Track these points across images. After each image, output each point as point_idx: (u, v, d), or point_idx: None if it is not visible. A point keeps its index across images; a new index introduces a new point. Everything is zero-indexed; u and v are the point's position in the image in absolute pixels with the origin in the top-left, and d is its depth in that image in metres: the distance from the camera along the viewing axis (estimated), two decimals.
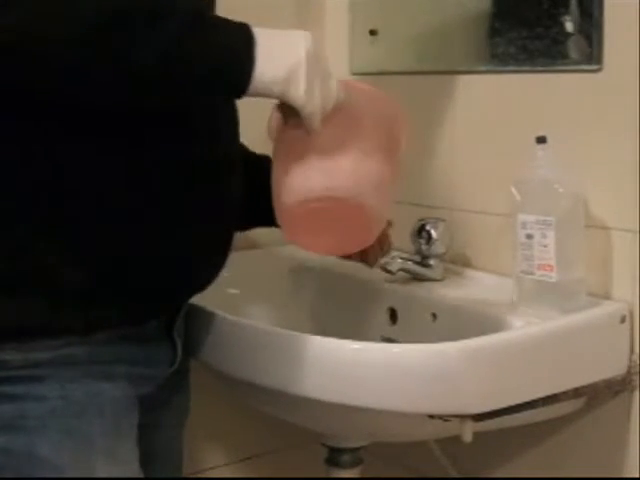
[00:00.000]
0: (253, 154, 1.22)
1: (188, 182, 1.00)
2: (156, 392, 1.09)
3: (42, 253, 0.93)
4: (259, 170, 1.11)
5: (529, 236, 1.18)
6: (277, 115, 1.00)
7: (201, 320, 1.17)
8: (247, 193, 1.12)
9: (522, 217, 1.19)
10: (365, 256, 1.25)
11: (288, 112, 0.97)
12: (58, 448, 0.94)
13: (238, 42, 0.93)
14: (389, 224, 1.19)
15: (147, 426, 1.08)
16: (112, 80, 0.89)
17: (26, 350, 0.94)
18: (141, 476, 1.01)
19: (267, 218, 1.11)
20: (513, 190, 1.20)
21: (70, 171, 0.93)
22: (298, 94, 0.93)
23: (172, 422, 1.18)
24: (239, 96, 0.95)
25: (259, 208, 1.12)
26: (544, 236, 1.17)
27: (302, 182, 0.97)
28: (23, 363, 0.94)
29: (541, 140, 1.18)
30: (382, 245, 1.25)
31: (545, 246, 1.17)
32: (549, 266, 1.17)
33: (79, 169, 0.94)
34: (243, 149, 1.18)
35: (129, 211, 0.96)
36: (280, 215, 1.00)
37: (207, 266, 1.07)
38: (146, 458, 1.06)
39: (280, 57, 0.94)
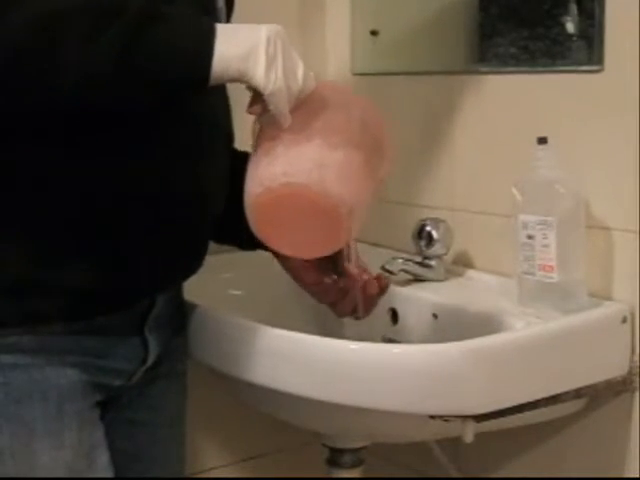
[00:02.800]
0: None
1: (160, 184, 1.00)
2: (138, 389, 1.10)
3: None
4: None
5: (530, 236, 1.18)
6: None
7: (202, 320, 1.17)
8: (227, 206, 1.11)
9: (523, 217, 1.19)
10: (341, 302, 1.16)
11: (263, 110, 0.95)
12: None
13: (197, 29, 0.93)
14: (382, 284, 1.15)
15: (130, 423, 1.10)
16: (61, 86, 0.88)
17: None
18: (99, 461, 1.02)
19: (242, 237, 1.09)
20: (514, 190, 1.20)
21: (28, 166, 0.95)
22: (258, 73, 0.92)
23: (161, 422, 1.17)
24: (203, 79, 0.92)
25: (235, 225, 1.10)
26: (545, 236, 1.17)
27: (265, 170, 0.95)
28: None
29: (542, 141, 1.18)
30: (366, 291, 1.15)
31: (546, 246, 1.17)
32: (550, 266, 1.17)
33: (36, 165, 0.95)
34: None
35: (81, 209, 0.96)
36: (247, 208, 0.98)
37: (164, 270, 1.06)
38: (130, 455, 1.09)
39: (240, 38, 0.93)
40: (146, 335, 1.08)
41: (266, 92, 0.92)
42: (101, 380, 1.04)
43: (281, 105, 0.93)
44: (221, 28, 0.93)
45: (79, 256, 0.97)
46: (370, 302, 1.14)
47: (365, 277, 1.13)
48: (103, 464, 1.03)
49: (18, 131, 0.93)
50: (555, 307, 1.18)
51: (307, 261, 1.12)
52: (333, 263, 1.13)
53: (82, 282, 0.98)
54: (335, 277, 1.14)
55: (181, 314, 1.18)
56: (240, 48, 0.92)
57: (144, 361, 1.09)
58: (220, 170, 1.08)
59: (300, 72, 0.96)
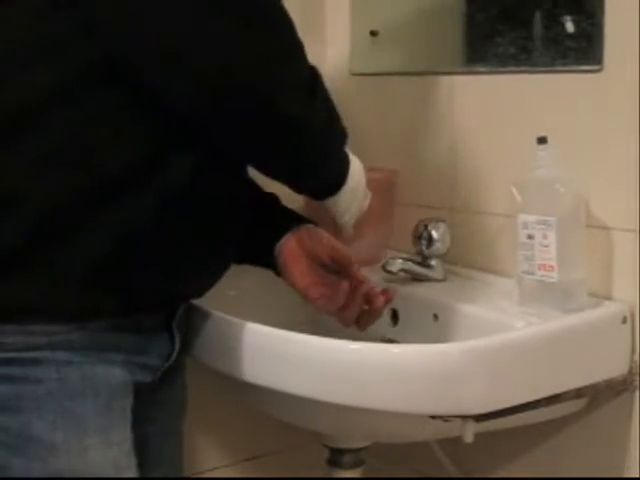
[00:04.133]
0: (259, 190, 1.25)
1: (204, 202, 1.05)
2: (151, 384, 1.10)
3: (44, 240, 0.95)
4: (262, 207, 1.20)
5: (530, 236, 1.18)
6: None
7: (202, 321, 1.17)
8: (248, 226, 1.14)
9: (523, 217, 1.19)
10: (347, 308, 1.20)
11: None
12: (52, 428, 0.97)
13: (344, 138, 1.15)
14: (388, 297, 1.20)
15: (143, 419, 1.10)
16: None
17: (26, 334, 0.96)
18: (133, 459, 1.04)
19: (262, 257, 1.20)
20: (514, 190, 1.20)
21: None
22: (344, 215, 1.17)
23: (165, 417, 1.18)
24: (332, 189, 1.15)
25: (257, 244, 1.18)
26: (545, 236, 1.17)
27: None
28: (23, 346, 0.96)
29: (542, 140, 1.18)
30: (372, 304, 1.20)
31: (546, 246, 1.17)
32: (550, 266, 1.17)
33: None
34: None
35: (137, 216, 0.98)
36: None
37: (207, 274, 1.10)
38: (140, 450, 1.08)
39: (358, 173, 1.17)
40: (174, 331, 1.11)
41: (340, 221, 1.18)
42: (139, 378, 1.06)
43: (347, 227, 1.19)
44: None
45: (145, 261, 1.00)
46: (375, 314, 1.19)
47: (370, 282, 1.19)
48: (135, 464, 1.04)
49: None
50: (555, 307, 1.18)
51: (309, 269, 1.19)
52: (338, 267, 1.18)
53: (144, 284, 1.01)
54: (341, 282, 1.17)
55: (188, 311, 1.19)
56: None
57: (169, 356, 1.11)
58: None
59: (367, 203, 1.20)
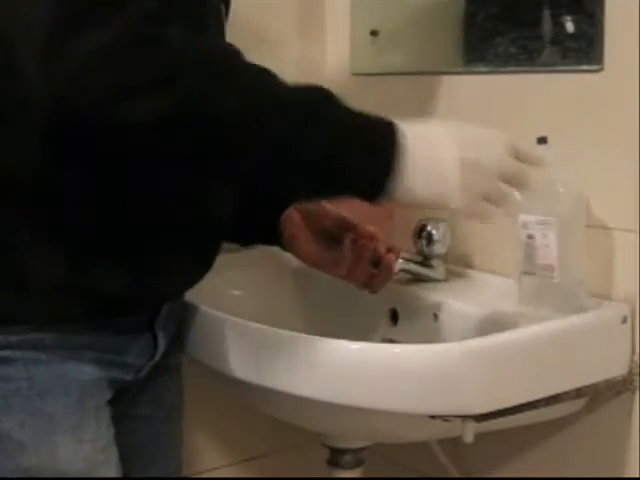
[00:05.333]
0: None
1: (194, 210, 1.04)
2: (140, 384, 1.11)
3: (12, 248, 0.96)
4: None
5: (530, 236, 1.18)
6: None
7: (202, 320, 1.17)
8: (247, 209, 1.14)
9: (523, 217, 1.19)
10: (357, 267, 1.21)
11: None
12: (21, 425, 0.98)
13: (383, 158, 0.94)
14: (391, 250, 1.20)
15: (131, 418, 1.12)
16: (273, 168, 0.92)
17: None
18: (112, 456, 1.04)
19: (267, 235, 1.18)
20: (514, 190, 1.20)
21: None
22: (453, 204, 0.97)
23: (161, 417, 1.18)
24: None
25: (259, 225, 1.18)
26: (545, 236, 1.17)
27: None
28: None
29: (542, 141, 1.18)
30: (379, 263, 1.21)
31: (546, 246, 1.17)
32: (551, 266, 1.17)
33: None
34: None
35: (104, 222, 0.98)
36: None
37: (181, 276, 1.09)
38: (131, 450, 1.10)
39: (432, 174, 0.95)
40: (156, 331, 1.10)
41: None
42: (115, 375, 1.06)
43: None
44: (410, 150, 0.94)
45: (112, 265, 1.00)
46: (387, 273, 1.20)
47: (378, 238, 1.19)
48: (115, 460, 1.05)
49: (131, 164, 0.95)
50: (555, 307, 1.17)
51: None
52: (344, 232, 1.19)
53: (111, 288, 1.00)
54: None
55: (182, 311, 1.19)
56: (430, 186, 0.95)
57: (152, 356, 1.11)
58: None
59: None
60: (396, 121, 0.96)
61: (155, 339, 1.11)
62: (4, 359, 0.98)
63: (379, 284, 1.22)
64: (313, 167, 0.92)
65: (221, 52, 0.92)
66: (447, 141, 0.96)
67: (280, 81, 0.92)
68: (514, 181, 0.99)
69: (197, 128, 0.87)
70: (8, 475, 0.98)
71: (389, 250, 1.20)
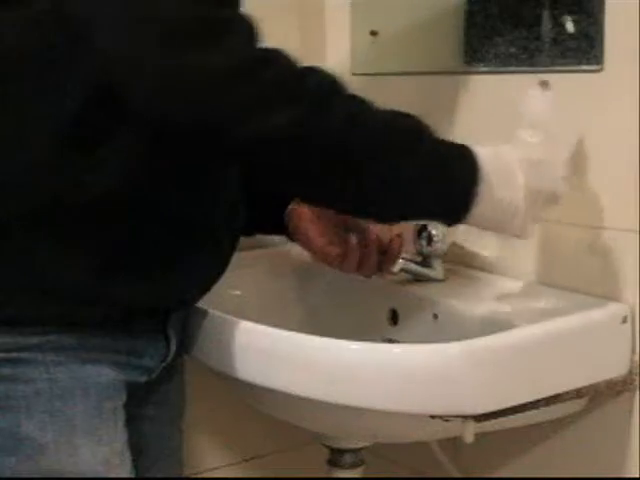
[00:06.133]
0: None
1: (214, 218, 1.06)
2: (148, 385, 1.11)
3: (34, 252, 0.97)
4: None
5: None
6: None
7: (202, 320, 1.17)
8: (252, 198, 1.14)
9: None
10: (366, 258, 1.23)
11: None
12: (41, 427, 0.98)
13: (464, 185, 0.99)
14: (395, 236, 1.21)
15: (137, 418, 1.11)
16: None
17: (16, 334, 0.97)
18: (127, 458, 1.04)
19: (270, 226, 1.18)
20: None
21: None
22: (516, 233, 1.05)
23: (165, 417, 1.19)
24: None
25: (263, 216, 1.19)
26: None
27: None
28: (13, 346, 0.97)
29: (545, 85, 1.15)
30: (385, 251, 1.24)
31: None
32: None
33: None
34: None
35: (128, 227, 0.99)
36: None
37: (199, 283, 1.10)
38: (135, 450, 1.09)
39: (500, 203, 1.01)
40: (169, 333, 1.11)
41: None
42: (132, 378, 1.06)
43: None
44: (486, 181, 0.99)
45: (132, 272, 1.01)
46: (393, 258, 1.23)
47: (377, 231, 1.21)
48: (130, 462, 1.05)
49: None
50: None
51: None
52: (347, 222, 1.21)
53: (130, 294, 1.01)
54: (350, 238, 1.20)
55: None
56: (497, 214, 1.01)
57: (165, 358, 1.12)
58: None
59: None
60: (473, 147, 1.01)
61: (167, 341, 1.11)
62: (25, 360, 0.98)
63: (387, 270, 1.25)
64: (405, 193, 0.97)
65: (320, 71, 0.96)
66: (517, 170, 1.02)
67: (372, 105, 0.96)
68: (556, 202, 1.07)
69: (323, 145, 0.92)
70: (25, 475, 0.98)
71: (396, 236, 1.22)
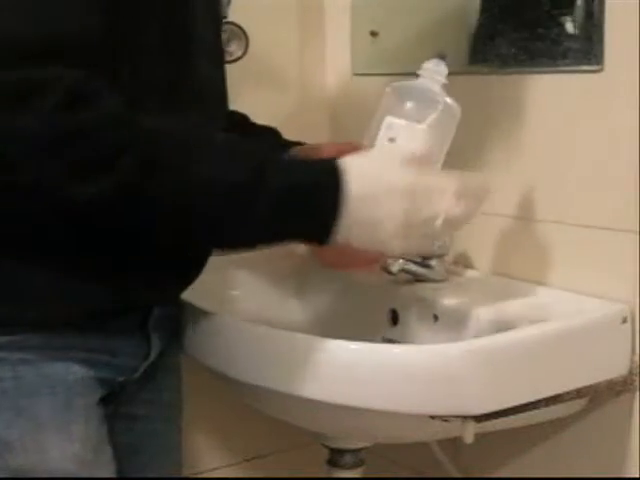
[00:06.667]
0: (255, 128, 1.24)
1: None
2: (137, 383, 1.11)
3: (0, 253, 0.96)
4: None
5: (392, 139, 1.08)
6: None
7: (201, 320, 1.17)
8: None
9: (390, 119, 1.08)
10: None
11: None
12: (8, 425, 0.98)
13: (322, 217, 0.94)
14: None
15: (129, 417, 1.12)
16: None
17: None
18: (104, 455, 1.04)
19: None
20: (388, 90, 1.12)
21: None
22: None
23: (159, 416, 1.18)
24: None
25: None
26: (409, 143, 1.07)
27: None
28: None
29: (442, 56, 1.11)
30: None
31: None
32: None
33: None
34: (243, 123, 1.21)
35: (89, 237, 0.98)
36: None
37: (171, 282, 1.09)
38: (129, 449, 1.10)
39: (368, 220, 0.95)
40: (149, 332, 1.10)
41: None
42: (106, 375, 1.06)
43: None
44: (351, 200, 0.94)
45: (97, 273, 1.00)
46: None
47: None
48: (108, 458, 1.05)
49: None
50: None
51: None
52: None
53: (96, 295, 1.01)
54: None
55: (180, 310, 1.19)
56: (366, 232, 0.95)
57: (147, 357, 1.11)
58: None
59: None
60: (342, 168, 0.95)
61: (148, 340, 1.10)
62: None
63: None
64: (255, 234, 0.95)
65: (149, 132, 0.90)
66: (391, 194, 0.95)
67: (213, 151, 0.92)
68: (452, 227, 1.01)
69: (135, 211, 0.90)
70: None
71: None
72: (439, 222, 0.97)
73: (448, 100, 1.08)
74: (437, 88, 1.09)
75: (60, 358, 1.00)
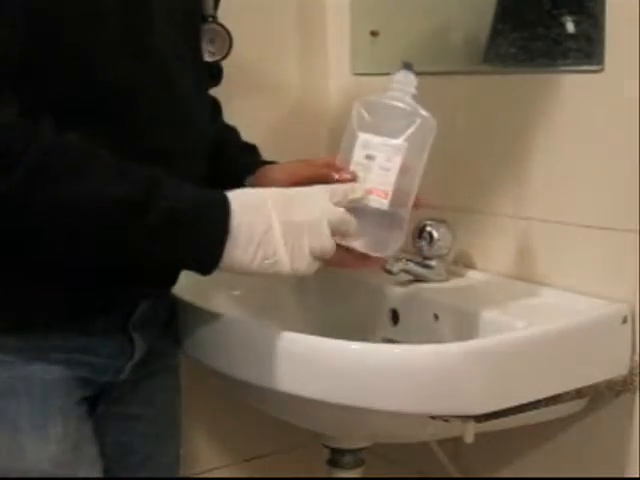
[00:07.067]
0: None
1: None
2: (131, 383, 1.11)
3: None
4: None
5: (370, 157, 1.06)
6: None
7: (202, 320, 1.17)
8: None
9: (365, 137, 1.07)
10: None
11: None
12: None
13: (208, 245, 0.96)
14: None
15: (124, 417, 1.12)
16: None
17: None
18: (84, 455, 1.04)
19: None
20: (359, 108, 1.11)
21: None
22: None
23: (155, 417, 1.19)
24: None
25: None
26: (389, 160, 1.05)
27: None
28: None
29: (408, 66, 1.10)
30: None
31: (387, 170, 1.06)
32: (385, 192, 1.06)
33: None
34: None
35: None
36: None
37: (150, 280, 1.07)
38: (126, 448, 1.11)
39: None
40: (131, 332, 1.10)
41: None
42: (88, 375, 1.06)
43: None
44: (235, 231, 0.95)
45: (70, 275, 0.99)
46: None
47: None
48: (91, 457, 1.05)
49: None
50: (375, 232, 1.06)
51: None
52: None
53: (70, 296, 1.01)
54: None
55: (169, 311, 1.19)
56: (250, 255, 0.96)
57: (131, 357, 1.11)
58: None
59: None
60: (224, 195, 0.97)
61: (131, 340, 1.10)
62: None
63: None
64: (140, 259, 0.95)
65: (44, 142, 0.90)
66: (271, 210, 0.97)
67: (101, 174, 0.92)
68: (342, 229, 1.00)
69: (19, 217, 0.90)
70: None
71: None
72: (325, 233, 0.99)
73: (424, 113, 1.07)
74: (410, 100, 1.08)
75: (38, 359, 1.00)
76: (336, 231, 1.00)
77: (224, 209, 0.96)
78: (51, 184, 0.89)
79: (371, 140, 1.06)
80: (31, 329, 0.99)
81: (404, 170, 1.05)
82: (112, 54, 0.97)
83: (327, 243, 0.99)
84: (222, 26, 1.16)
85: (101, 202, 0.90)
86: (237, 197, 0.97)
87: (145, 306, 1.11)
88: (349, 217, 1.01)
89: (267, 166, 1.19)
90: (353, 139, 1.07)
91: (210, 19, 1.15)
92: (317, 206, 0.99)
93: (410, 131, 1.06)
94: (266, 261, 0.97)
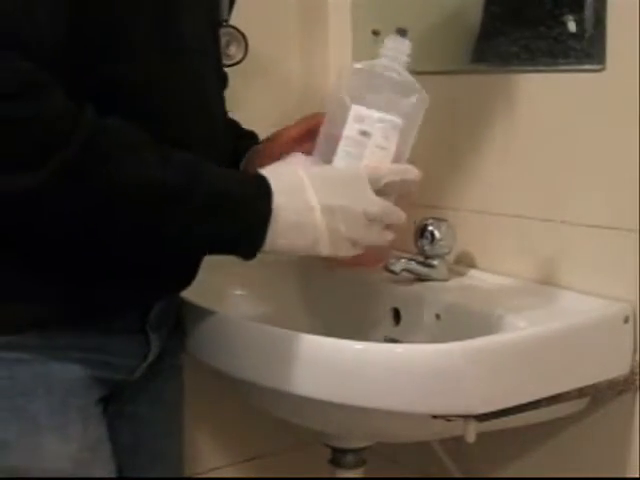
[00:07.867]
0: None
1: None
2: (139, 383, 1.11)
3: None
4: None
5: (364, 133, 1.02)
6: None
7: (203, 320, 1.17)
8: None
9: (358, 109, 1.02)
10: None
11: None
12: (5, 425, 0.98)
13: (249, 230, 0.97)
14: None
15: (131, 417, 1.12)
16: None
17: None
18: (102, 454, 1.04)
19: None
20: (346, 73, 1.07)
21: None
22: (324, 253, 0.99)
23: (161, 417, 1.19)
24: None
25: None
26: (386, 138, 1.02)
27: None
28: None
29: (402, 32, 1.07)
30: None
31: (383, 149, 1.02)
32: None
33: None
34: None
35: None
36: None
37: (166, 282, 1.09)
38: (130, 449, 1.10)
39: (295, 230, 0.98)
40: (148, 332, 1.10)
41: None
42: (104, 375, 1.06)
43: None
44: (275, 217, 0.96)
45: (91, 273, 1.00)
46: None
47: None
48: (106, 457, 1.05)
49: None
50: None
51: None
52: None
53: (91, 295, 1.01)
54: None
55: (178, 311, 1.19)
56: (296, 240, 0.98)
57: (146, 357, 1.11)
58: None
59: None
60: (263, 175, 0.98)
61: (147, 340, 1.11)
62: None
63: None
64: (185, 243, 0.96)
65: (96, 125, 0.90)
66: (310, 191, 0.97)
67: (148, 157, 0.92)
68: (385, 220, 1.01)
69: (62, 211, 0.90)
70: None
71: None
72: (364, 222, 0.99)
73: (419, 87, 1.04)
74: (405, 73, 1.05)
75: (58, 358, 1.00)
76: (382, 220, 1.00)
77: (265, 191, 0.96)
78: (103, 163, 0.89)
79: (366, 114, 1.02)
80: (49, 328, 0.99)
81: (398, 147, 1.03)
82: (148, 44, 0.97)
83: (364, 231, 1.00)
84: (237, 30, 1.16)
85: (148, 184, 0.91)
86: (273, 177, 0.97)
87: (160, 307, 1.11)
88: (394, 207, 1.01)
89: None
90: (344, 110, 1.02)
91: (224, 22, 1.15)
92: (358, 193, 0.99)
93: (408, 108, 1.03)
94: (306, 243, 0.98)
